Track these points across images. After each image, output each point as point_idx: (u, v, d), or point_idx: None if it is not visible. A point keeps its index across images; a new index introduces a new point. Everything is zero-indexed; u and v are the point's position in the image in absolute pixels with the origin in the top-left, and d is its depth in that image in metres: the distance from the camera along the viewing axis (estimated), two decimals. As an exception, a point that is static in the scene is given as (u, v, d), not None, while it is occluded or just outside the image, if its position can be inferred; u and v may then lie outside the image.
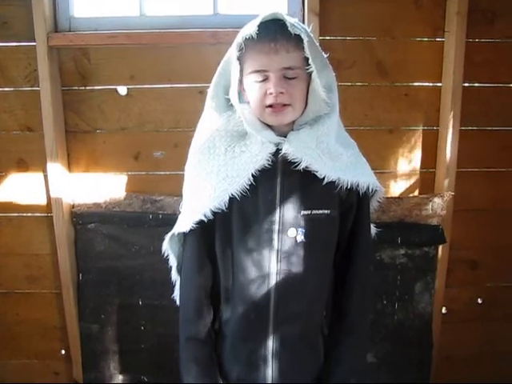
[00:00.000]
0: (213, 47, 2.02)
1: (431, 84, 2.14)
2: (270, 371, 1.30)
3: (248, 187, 1.23)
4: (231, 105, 1.27)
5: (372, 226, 1.43)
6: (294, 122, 1.27)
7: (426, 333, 2.24)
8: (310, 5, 1.97)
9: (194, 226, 1.26)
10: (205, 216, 1.24)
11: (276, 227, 1.25)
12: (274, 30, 1.17)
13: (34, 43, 2.00)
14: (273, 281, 1.26)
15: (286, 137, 1.25)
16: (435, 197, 2.11)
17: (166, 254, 1.38)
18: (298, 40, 1.16)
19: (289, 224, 1.26)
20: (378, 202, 1.40)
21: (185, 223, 1.29)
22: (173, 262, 1.39)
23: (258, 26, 1.16)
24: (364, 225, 1.36)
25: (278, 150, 1.24)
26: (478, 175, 2.20)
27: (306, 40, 1.15)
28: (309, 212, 1.26)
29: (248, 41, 1.18)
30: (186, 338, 1.32)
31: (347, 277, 1.34)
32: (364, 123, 2.12)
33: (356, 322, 1.34)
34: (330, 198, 1.28)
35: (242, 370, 1.32)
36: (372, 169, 1.37)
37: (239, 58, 1.22)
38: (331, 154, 1.26)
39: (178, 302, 1.40)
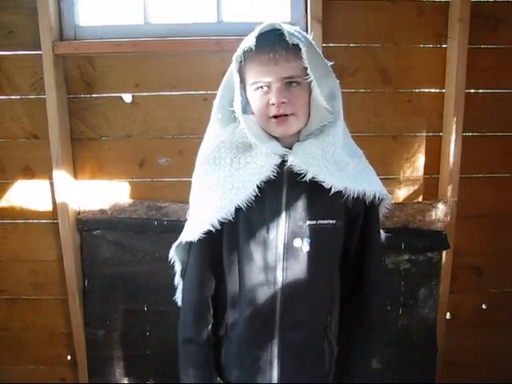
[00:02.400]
0: (217, 55, 2.04)
1: (434, 90, 2.15)
2: (275, 376, 1.32)
3: (254, 198, 1.23)
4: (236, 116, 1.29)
5: (381, 231, 1.44)
6: (299, 133, 1.28)
7: (430, 338, 2.24)
8: (312, 12, 1.98)
9: (202, 235, 1.27)
10: (213, 226, 1.25)
11: (282, 237, 1.26)
12: (272, 40, 1.17)
13: (39, 52, 2.01)
14: (278, 289, 1.28)
15: (291, 148, 1.26)
16: (439, 202, 2.12)
17: (172, 261, 1.40)
18: (297, 49, 1.16)
19: (294, 234, 1.27)
20: (387, 208, 1.40)
21: (192, 232, 1.30)
22: (178, 268, 1.41)
23: (257, 38, 1.17)
24: (375, 232, 1.39)
25: (283, 161, 1.24)
26: (482, 181, 2.21)
27: (304, 50, 1.16)
28: (314, 222, 1.27)
29: (248, 53, 1.19)
30: (183, 340, 1.36)
31: (363, 283, 1.37)
32: (367, 130, 2.13)
33: (376, 325, 1.39)
34: (335, 208, 1.29)
35: (247, 374, 1.34)
36: (376, 174, 1.38)
37: (240, 71, 1.23)
38: (337, 164, 1.27)
39: (179, 304, 1.43)
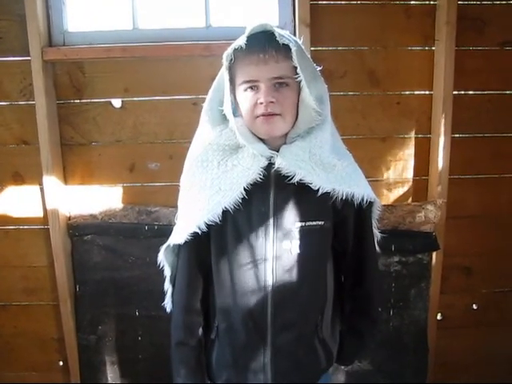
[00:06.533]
0: (206, 59, 2.04)
1: (423, 92, 2.16)
2: (269, 377, 1.33)
3: (241, 201, 1.24)
4: (225, 118, 1.29)
5: (376, 231, 1.46)
6: (286, 135, 1.28)
7: (421, 339, 2.25)
8: (300, 16, 2.00)
9: (189, 238, 1.28)
10: (199, 228, 1.26)
11: (270, 240, 1.27)
12: (263, 40, 1.19)
13: (28, 58, 2.01)
14: (269, 291, 1.28)
15: (278, 151, 1.26)
16: (428, 204, 2.12)
17: (161, 265, 1.40)
18: (287, 50, 1.18)
19: (283, 236, 1.28)
20: (378, 210, 1.42)
21: (180, 235, 1.31)
22: (167, 272, 1.41)
23: (248, 38, 1.18)
24: (369, 234, 1.41)
25: (270, 164, 1.25)
26: (471, 182, 2.22)
27: (293, 49, 1.17)
28: (303, 224, 1.28)
29: (238, 52, 1.20)
30: (175, 343, 1.38)
31: (363, 281, 1.42)
32: (356, 132, 2.14)
33: (378, 317, 1.50)
34: (323, 209, 1.30)
35: (241, 376, 1.35)
36: (365, 177, 1.38)
37: (230, 71, 1.24)
38: (324, 166, 1.27)
39: (167, 310, 1.44)
